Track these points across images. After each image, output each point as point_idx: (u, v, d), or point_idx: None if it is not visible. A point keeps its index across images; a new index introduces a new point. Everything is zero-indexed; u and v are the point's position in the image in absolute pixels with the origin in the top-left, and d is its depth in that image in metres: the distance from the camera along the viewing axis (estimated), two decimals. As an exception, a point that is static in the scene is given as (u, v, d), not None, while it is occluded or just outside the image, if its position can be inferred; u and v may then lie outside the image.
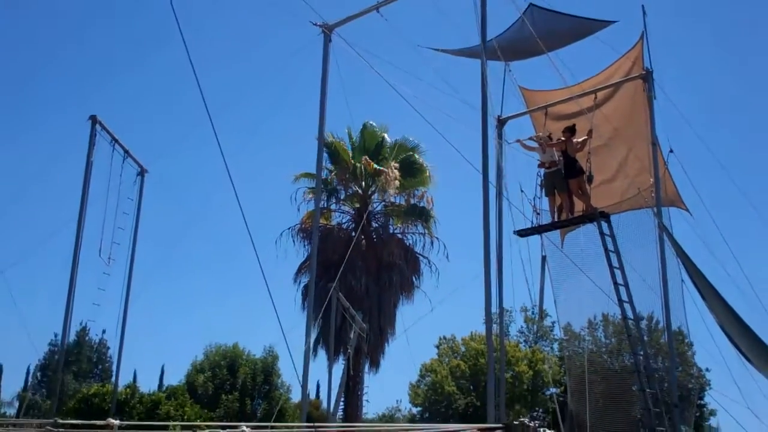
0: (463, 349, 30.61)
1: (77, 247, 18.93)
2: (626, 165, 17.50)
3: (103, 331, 48.66)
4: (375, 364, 27.55)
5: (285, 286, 28.75)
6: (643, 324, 28.57)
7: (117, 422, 6.70)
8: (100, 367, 47.27)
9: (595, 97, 16.96)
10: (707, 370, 30.65)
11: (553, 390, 28.30)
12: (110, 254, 20.06)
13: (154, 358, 71.60)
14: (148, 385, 43.32)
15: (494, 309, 18.06)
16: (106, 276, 20.43)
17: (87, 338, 46.83)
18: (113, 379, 39.02)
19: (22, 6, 72.14)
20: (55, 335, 46.59)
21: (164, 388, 30.83)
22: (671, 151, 16.39)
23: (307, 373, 13.89)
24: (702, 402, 35.84)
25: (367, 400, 27.04)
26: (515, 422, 4.99)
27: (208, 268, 71.16)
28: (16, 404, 47.03)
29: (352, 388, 25.89)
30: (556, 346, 31.62)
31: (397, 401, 36.19)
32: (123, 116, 76.97)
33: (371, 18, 15.50)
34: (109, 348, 49.08)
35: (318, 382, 43.40)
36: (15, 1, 70.09)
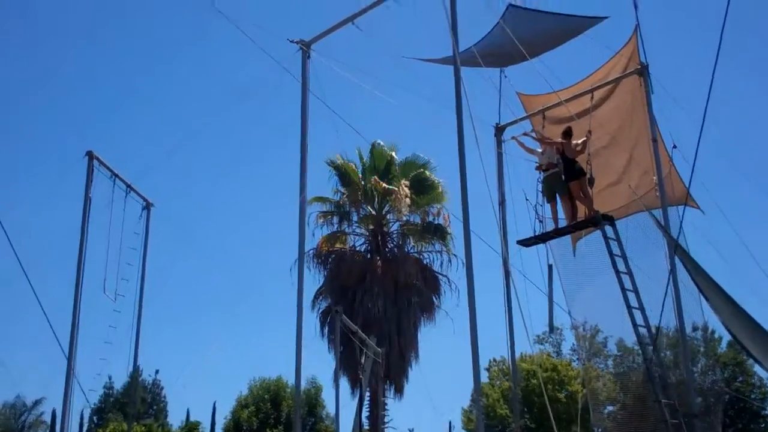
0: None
1: (78, 285, 18.66)
2: (631, 166, 16.75)
3: (156, 371, 49.06)
4: (399, 390, 26.78)
5: (304, 313, 28.31)
6: (699, 334, 27.34)
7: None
8: (154, 407, 47.45)
9: (592, 97, 16.32)
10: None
11: (610, 408, 27.28)
12: (116, 290, 19.89)
13: (208, 395, 71.69)
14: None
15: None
16: (117, 313, 20.29)
17: (141, 379, 47.04)
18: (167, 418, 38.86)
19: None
20: (110, 378, 47.12)
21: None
22: (674, 146, 15.58)
23: (299, 404, 13.37)
24: (766, 411, 34.27)
25: (392, 428, 26.45)
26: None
27: (232, 301, 70.96)
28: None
29: (374, 415, 25.25)
30: (610, 362, 30.33)
31: (449, 423, 35.20)
32: (128, 152, 76.92)
33: (353, 33, 15.07)
34: (162, 388, 49.48)
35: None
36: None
